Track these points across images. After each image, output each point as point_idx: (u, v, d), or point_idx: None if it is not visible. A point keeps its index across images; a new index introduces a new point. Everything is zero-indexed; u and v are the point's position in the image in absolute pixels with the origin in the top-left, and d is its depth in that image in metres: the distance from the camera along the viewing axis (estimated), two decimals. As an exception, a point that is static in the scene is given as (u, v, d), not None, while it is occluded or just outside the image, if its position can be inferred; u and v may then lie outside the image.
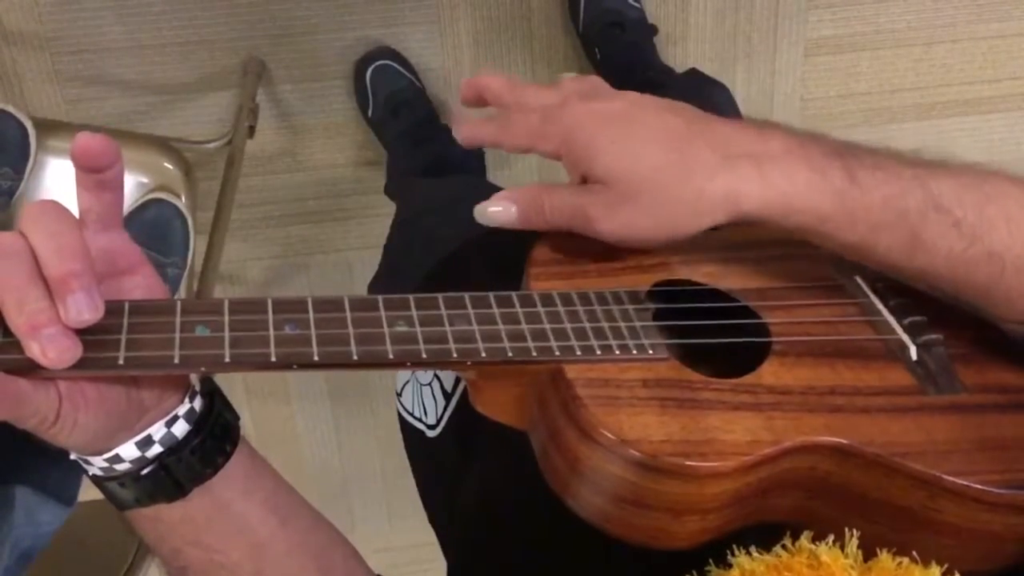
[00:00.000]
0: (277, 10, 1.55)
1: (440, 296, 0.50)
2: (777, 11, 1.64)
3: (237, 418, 0.52)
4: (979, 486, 0.46)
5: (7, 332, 0.42)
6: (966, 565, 0.45)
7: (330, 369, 0.47)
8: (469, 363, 0.48)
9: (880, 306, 0.54)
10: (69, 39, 1.53)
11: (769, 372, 0.50)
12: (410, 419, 0.79)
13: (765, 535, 0.48)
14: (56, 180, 1.17)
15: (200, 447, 0.49)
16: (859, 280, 0.56)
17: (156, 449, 0.48)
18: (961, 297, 0.51)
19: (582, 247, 0.55)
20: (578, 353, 0.49)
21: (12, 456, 1.00)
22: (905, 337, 0.52)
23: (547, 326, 0.50)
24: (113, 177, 0.46)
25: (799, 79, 1.70)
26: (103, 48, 1.54)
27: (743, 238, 0.58)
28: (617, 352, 0.49)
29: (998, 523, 0.46)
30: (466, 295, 0.50)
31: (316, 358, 0.46)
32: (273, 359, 0.45)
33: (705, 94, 1.35)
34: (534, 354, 0.48)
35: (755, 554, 0.46)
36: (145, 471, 0.48)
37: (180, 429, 0.49)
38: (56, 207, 0.43)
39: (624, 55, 1.57)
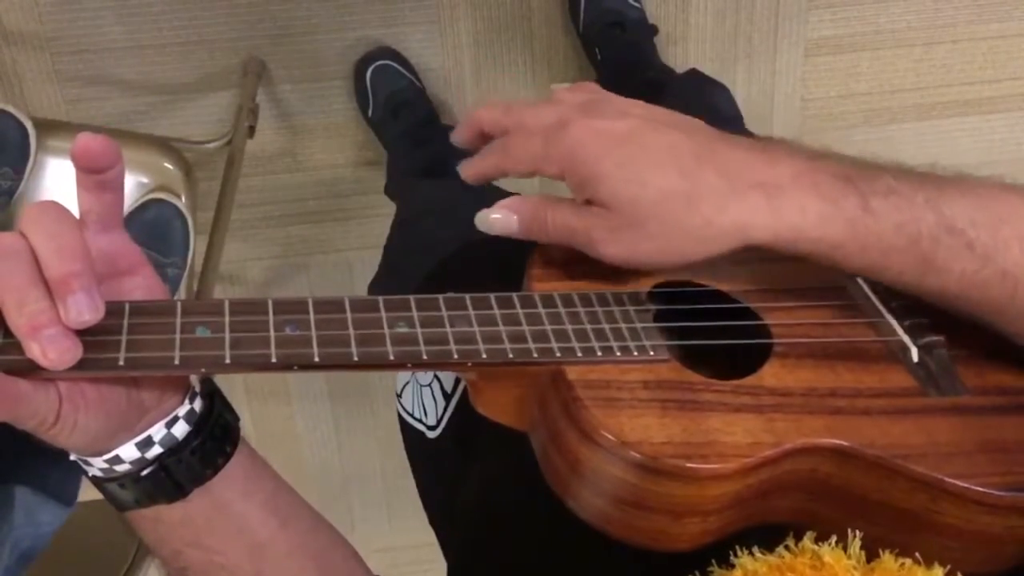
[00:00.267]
0: (277, 10, 1.54)
1: (441, 297, 0.50)
2: (777, 11, 1.64)
3: (237, 419, 0.52)
4: (980, 488, 0.46)
5: (7, 333, 0.42)
6: (968, 567, 0.45)
7: (331, 370, 0.46)
8: (470, 364, 0.48)
9: (881, 308, 0.54)
10: (69, 39, 1.53)
11: (770, 374, 0.50)
12: (410, 420, 0.79)
13: (768, 535, 0.47)
14: (56, 180, 1.17)
15: (200, 448, 0.49)
16: (860, 281, 0.56)
17: (156, 450, 0.48)
18: (975, 315, 0.51)
19: None
20: (579, 354, 0.49)
21: (12, 456, 1.00)
22: (906, 339, 0.52)
23: (548, 327, 0.50)
24: (114, 178, 0.46)
25: (799, 79, 1.70)
26: (103, 48, 1.54)
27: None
28: (618, 353, 0.49)
29: (999, 525, 0.46)
30: (467, 296, 0.50)
31: (317, 359, 0.46)
32: (274, 360, 0.45)
33: (705, 94, 1.35)
34: (535, 355, 0.48)
35: (758, 554, 0.46)
36: (145, 472, 0.48)
37: (180, 430, 0.49)
38: (57, 207, 0.43)
39: (624, 55, 1.57)
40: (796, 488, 0.48)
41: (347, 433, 1.86)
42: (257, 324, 0.46)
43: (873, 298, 0.55)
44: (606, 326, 0.50)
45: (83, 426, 0.45)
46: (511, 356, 0.48)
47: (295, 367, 0.46)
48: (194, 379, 0.50)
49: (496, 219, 0.54)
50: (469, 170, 0.56)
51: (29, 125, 1.14)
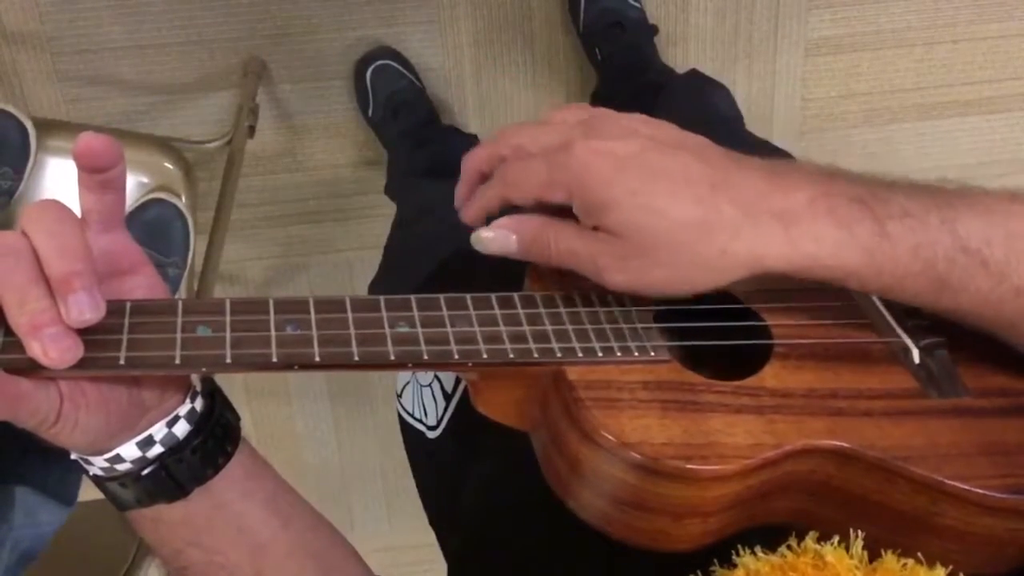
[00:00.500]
0: (277, 10, 1.55)
1: (442, 297, 0.50)
2: (777, 11, 1.64)
3: (238, 418, 0.52)
4: (980, 491, 0.45)
5: (8, 332, 0.42)
6: (969, 569, 0.45)
7: (331, 370, 0.46)
8: (471, 364, 0.48)
9: (883, 309, 0.54)
10: (69, 39, 1.53)
11: (771, 375, 0.50)
12: (410, 420, 0.79)
13: (770, 535, 0.47)
14: (56, 180, 1.17)
15: (201, 447, 0.49)
16: (861, 282, 0.56)
17: (157, 449, 0.48)
18: (988, 331, 0.50)
19: None
20: (580, 355, 0.49)
21: (12, 456, 1.01)
22: (908, 340, 0.52)
23: (549, 327, 0.50)
24: (115, 177, 0.46)
25: (799, 79, 1.70)
26: (103, 48, 1.54)
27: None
28: (619, 354, 0.49)
29: (1000, 527, 0.46)
30: (468, 296, 0.50)
31: (317, 359, 0.46)
32: (274, 359, 0.45)
33: (705, 94, 1.35)
34: (536, 355, 0.48)
35: (760, 554, 0.46)
36: (146, 471, 0.48)
37: (181, 429, 0.49)
38: (58, 207, 0.43)
39: (624, 55, 1.57)
40: (796, 489, 0.48)
41: (347, 433, 1.86)
42: (258, 323, 0.46)
43: (875, 299, 0.55)
44: (607, 326, 0.50)
45: (84, 425, 0.45)
46: (512, 356, 0.48)
47: (296, 367, 0.46)
48: (195, 378, 0.50)
49: (492, 239, 0.51)
50: (470, 212, 0.53)
51: (29, 125, 1.14)
